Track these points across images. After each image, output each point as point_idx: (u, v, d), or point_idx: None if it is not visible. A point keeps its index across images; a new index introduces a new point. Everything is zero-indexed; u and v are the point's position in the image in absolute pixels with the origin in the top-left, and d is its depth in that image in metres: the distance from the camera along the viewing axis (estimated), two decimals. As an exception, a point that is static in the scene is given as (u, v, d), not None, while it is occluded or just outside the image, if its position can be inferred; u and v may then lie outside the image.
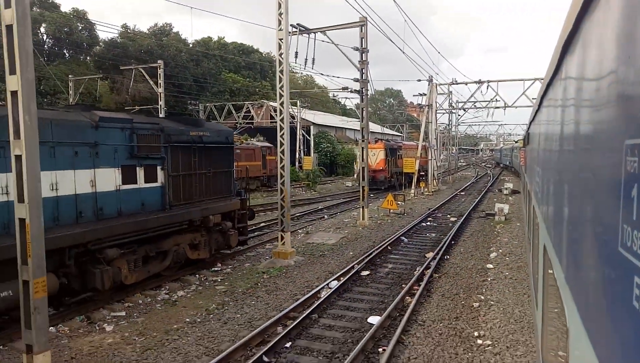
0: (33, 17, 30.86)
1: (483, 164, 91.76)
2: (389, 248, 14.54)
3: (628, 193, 0.88)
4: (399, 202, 22.03)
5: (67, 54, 48.25)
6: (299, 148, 45.38)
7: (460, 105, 41.59)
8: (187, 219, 11.25)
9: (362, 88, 19.56)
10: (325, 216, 22.12)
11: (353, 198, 28.21)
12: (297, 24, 17.63)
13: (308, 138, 48.43)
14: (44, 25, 44.37)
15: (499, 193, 31.75)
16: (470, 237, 16.73)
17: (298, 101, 44.22)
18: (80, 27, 48.30)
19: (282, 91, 13.31)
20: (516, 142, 50.32)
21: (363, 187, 19.45)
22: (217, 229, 12.41)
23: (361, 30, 18.75)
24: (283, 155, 13.52)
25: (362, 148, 19.98)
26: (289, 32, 14.03)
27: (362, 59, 19.12)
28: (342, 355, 7.12)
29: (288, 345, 7.48)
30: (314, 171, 36.66)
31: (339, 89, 25.81)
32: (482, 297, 9.95)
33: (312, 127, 49.00)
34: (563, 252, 1.96)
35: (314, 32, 18.44)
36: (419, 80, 33.42)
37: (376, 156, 32.89)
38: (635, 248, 0.83)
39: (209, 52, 55.65)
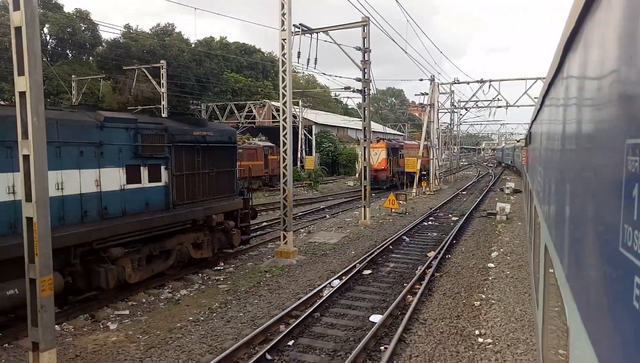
0: (36, 18, 30.95)
1: (485, 163, 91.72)
2: (391, 247, 14.61)
3: (629, 192, 0.88)
4: (400, 201, 22.10)
5: (70, 54, 48.45)
6: (301, 147, 45.46)
7: (462, 104, 41.63)
8: (191, 218, 11.34)
9: (364, 88, 19.62)
10: (327, 216, 22.19)
11: (355, 198, 28.28)
12: (300, 24, 17.70)
13: (310, 137, 48.52)
14: (47, 25, 44.56)
15: (501, 192, 31.77)
16: (472, 236, 16.78)
17: (300, 101, 44.28)
18: (83, 28, 48.49)
19: (285, 91, 13.38)
20: (518, 141, 50.30)
21: (365, 186, 19.51)
22: (220, 228, 12.50)
23: (363, 30, 18.80)
24: (286, 155, 13.59)
25: (364, 147, 20.05)
26: (292, 32, 14.10)
27: (364, 58, 19.18)
28: (345, 353, 7.19)
29: (291, 343, 7.56)
30: (316, 171, 36.71)
31: (341, 88, 25.90)
32: (483, 296, 10.02)
33: (314, 126, 49.09)
34: (564, 251, 1.96)
35: (317, 32, 18.51)
36: (421, 79, 33.54)
37: (378, 156, 32.93)
38: (635, 248, 0.82)
39: (211, 52, 55.79)
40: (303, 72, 66.60)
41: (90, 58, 50.04)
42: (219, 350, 7.23)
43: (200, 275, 11.73)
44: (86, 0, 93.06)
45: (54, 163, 8.11)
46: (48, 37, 46.38)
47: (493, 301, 9.65)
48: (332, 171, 48.61)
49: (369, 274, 11.69)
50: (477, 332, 8.05)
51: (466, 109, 42.34)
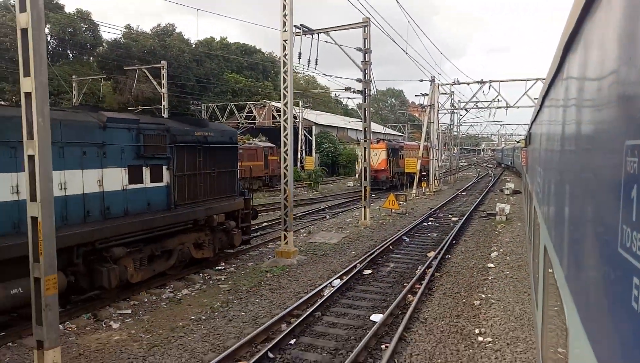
0: (37, 18, 31.01)
1: (484, 164, 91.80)
2: (391, 247, 14.67)
3: (628, 193, 0.87)
4: (400, 202, 22.17)
5: (70, 55, 48.51)
6: (301, 148, 45.53)
7: (462, 105, 41.75)
8: (192, 218, 11.40)
9: (364, 88, 19.70)
10: (327, 216, 22.26)
11: (355, 198, 28.35)
12: (301, 25, 17.78)
13: (310, 138, 48.60)
14: (48, 26, 44.62)
15: (500, 193, 31.84)
16: (472, 237, 16.85)
17: (300, 101, 44.37)
18: (84, 28, 48.56)
19: (286, 91, 13.45)
20: (518, 142, 50.39)
21: (365, 187, 19.58)
22: (221, 228, 12.56)
23: (364, 31, 18.88)
24: (287, 155, 13.65)
25: (365, 148, 20.12)
26: (293, 33, 14.17)
27: (364, 59, 19.25)
28: (346, 351, 7.26)
29: (292, 342, 7.62)
30: (316, 171, 36.79)
31: (342, 89, 25.97)
32: (483, 296, 10.09)
33: (314, 127, 49.16)
34: (563, 252, 1.96)
35: (317, 33, 18.58)
36: (421, 80, 33.60)
37: (378, 156, 33.00)
38: (634, 249, 0.82)
39: (212, 52, 55.87)
40: (303, 73, 66.68)
41: (91, 58, 50.12)
42: (222, 349, 7.30)
43: (201, 274, 11.80)
44: (86, 1, 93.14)
45: (57, 163, 8.16)
46: (49, 38, 46.44)
47: (493, 300, 9.72)
48: (332, 171, 48.69)
49: (370, 274, 11.76)
50: (477, 331, 8.12)
51: (466, 110, 42.46)
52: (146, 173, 10.28)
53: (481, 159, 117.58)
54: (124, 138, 9.76)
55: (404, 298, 9.67)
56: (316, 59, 19.26)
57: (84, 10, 48.87)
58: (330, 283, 10.69)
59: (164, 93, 31.41)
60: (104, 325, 8.48)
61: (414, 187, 31.73)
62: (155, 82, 32.68)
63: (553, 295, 2.52)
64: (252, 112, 45.44)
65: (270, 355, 7.04)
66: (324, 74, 28.62)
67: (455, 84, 35.77)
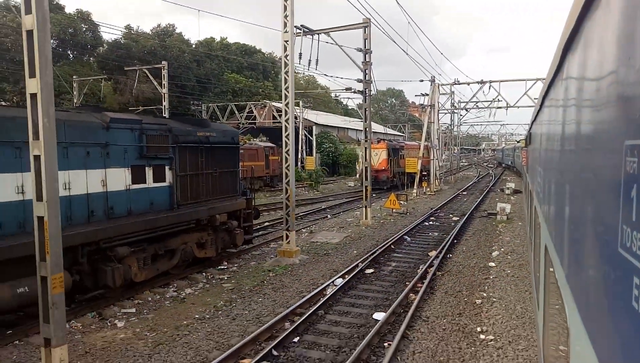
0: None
1: (485, 164, 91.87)
2: (393, 247, 14.74)
3: (628, 193, 0.87)
4: (401, 202, 22.23)
5: (71, 55, 48.57)
6: (302, 148, 45.60)
7: (462, 105, 41.82)
8: (195, 218, 11.47)
9: (365, 89, 19.76)
10: (329, 216, 22.32)
11: (355, 198, 28.42)
12: (302, 26, 17.84)
13: (310, 138, 48.66)
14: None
15: (501, 192, 31.90)
16: (473, 236, 16.91)
17: (300, 102, 44.44)
18: (85, 28, 48.62)
19: (288, 92, 13.51)
20: (518, 142, 50.46)
21: (366, 187, 19.64)
22: (223, 228, 12.63)
23: (364, 32, 18.94)
24: (288, 155, 13.71)
25: (365, 148, 20.18)
26: (294, 34, 14.22)
27: (365, 60, 19.31)
28: (349, 349, 7.32)
29: (296, 339, 7.68)
30: (317, 171, 36.85)
31: (342, 89, 26.04)
32: (485, 294, 10.15)
33: (314, 127, 49.23)
34: (564, 252, 1.96)
35: (318, 34, 18.64)
36: (422, 80, 33.63)
37: (378, 156, 33.07)
38: (634, 249, 0.82)
39: (212, 52, 55.92)
40: (303, 73, 66.68)
41: (91, 59, 50.18)
42: (226, 347, 7.36)
43: (204, 274, 11.86)
44: (86, 1, 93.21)
45: (62, 163, 8.21)
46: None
47: (494, 299, 9.78)
48: (332, 171, 48.75)
49: (372, 273, 11.82)
50: (478, 329, 8.18)
51: (466, 110, 42.54)
52: (149, 173, 10.35)
53: (481, 159, 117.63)
54: (127, 138, 9.83)
55: (406, 296, 9.73)
56: (317, 59, 19.33)
57: (84, 11, 48.93)
58: (332, 282, 10.75)
59: (164, 93, 31.46)
60: (108, 324, 8.55)
61: (415, 187, 31.80)
62: (155, 83, 32.72)
63: (554, 294, 2.52)
64: (253, 113, 45.50)
65: (275, 352, 7.11)
66: (325, 75, 28.80)
67: (456, 84, 35.84)
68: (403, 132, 76.96)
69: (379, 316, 8.66)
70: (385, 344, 7.57)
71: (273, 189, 34.30)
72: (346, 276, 11.15)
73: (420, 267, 12.15)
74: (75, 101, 35.36)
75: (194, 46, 57.89)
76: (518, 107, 33.72)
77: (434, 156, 35.03)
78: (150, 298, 9.97)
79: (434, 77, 33.19)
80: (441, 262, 12.72)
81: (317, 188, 34.89)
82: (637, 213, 0.82)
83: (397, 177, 35.27)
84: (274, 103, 46.90)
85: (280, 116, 39.86)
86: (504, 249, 14.54)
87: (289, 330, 7.77)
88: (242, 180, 14.59)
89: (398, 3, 18.38)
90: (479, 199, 27.89)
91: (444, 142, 53.35)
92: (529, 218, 7.98)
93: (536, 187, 5.33)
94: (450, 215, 22.03)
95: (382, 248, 14.02)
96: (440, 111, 37.70)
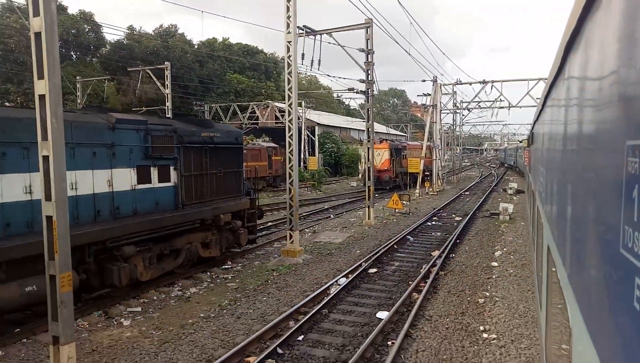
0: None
1: (487, 164, 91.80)
2: (395, 246, 14.80)
3: (629, 194, 0.87)
4: (404, 202, 22.29)
5: (74, 56, 48.75)
6: (304, 148, 45.68)
7: (464, 105, 41.84)
8: (199, 218, 11.56)
9: (367, 89, 19.82)
10: (331, 216, 22.40)
11: (358, 198, 28.49)
12: (304, 26, 17.90)
13: (313, 138, 48.74)
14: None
15: (504, 192, 31.93)
16: (475, 236, 16.96)
17: (303, 102, 44.52)
18: (87, 29, 48.79)
19: (291, 92, 13.58)
20: (520, 142, 50.42)
21: (369, 187, 19.70)
22: (227, 228, 12.72)
23: (367, 32, 19.01)
24: (292, 155, 13.79)
25: (368, 148, 20.24)
26: (296, 34, 14.30)
27: (367, 60, 19.38)
28: (353, 347, 7.40)
29: (300, 338, 7.76)
30: (319, 172, 36.92)
31: (344, 89, 26.12)
32: (487, 294, 10.21)
33: (316, 127, 49.31)
34: (566, 253, 1.96)
35: (320, 34, 18.70)
36: (424, 80, 33.62)
37: (381, 156, 33.13)
38: (636, 249, 0.82)
39: (214, 53, 56.04)
40: (305, 73, 66.77)
41: (94, 59, 50.36)
42: (231, 345, 7.45)
43: (208, 273, 11.95)
44: (86, 1, 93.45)
45: (69, 163, 8.25)
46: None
47: (497, 298, 9.84)
48: (335, 171, 48.82)
49: (375, 272, 11.89)
50: (481, 328, 8.25)
51: (468, 110, 42.56)
52: (154, 173, 10.44)
53: (484, 159, 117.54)
54: (133, 138, 9.92)
55: (409, 296, 9.79)
56: (319, 60, 19.37)
57: (87, 12, 49.12)
58: (336, 281, 10.82)
59: (167, 94, 31.58)
60: (115, 322, 8.64)
61: (417, 187, 31.84)
62: (159, 83, 32.84)
63: (556, 294, 2.51)
64: (255, 113, 45.59)
65: (279, 350, 7.18)
66: (327, 75, 28.85)
67: (458, 84, 35.85)
68: (405, 133, 76.98)
69: (383, 315, 8.73)
70: (389, 343, 7.64)
71: (276, 189, 34.39)
72: (349, 275, 11.23)
73: (423, 267, 12.22)
74: (79, 101, 35.50)
75: (196, 46, 58.04)
76: (520, 107, 33.69)
77: (436, 156, 35.06)
78: (155, 297, 10.06)
79: (436, 77, 33.24)
80: (444, 262, 12.78)
81: (320, 188, 34.97)
82: (638, 213, 0.82)
83: (400, 177, 35.31)
84: (276, 103, 47.01)
85: (282, 116, 39.96)
86: (507, 249, 14.59)
87: (294, 329, 7.85)
88: (245, 180, 14.68)
89: (400, 3, 18.45)
90: (482, 199, 27.93)
91: (446, 142, 53.36)
92: (532, 218, 8.02)
93: (538, 187, 5.35)
94: (453, 215, 22.07)
95: (385, 248, 14.08)
96: (442, 111, 37.74)
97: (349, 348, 7.39)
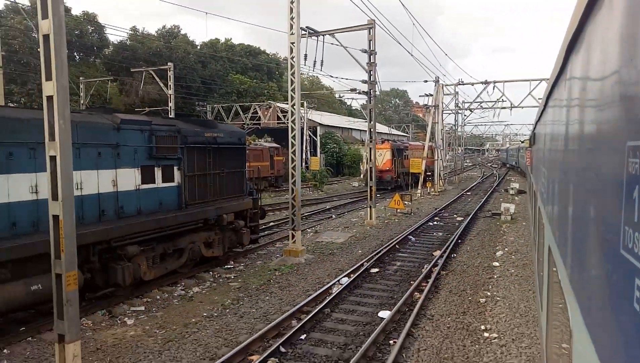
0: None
1: (489, 164, 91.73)
2: (397, 246, 14.86)
3: (629, 194, 0.87)
4: (405, 202, 22.34)
5: (77, 57, 48.92)
6: (306, 148, 45.74)
7: (466, 105, 41.83)
8: (202, 218, 11.64)
9: (370, 90, 19.89)
10: (333, 216, 22.46)
11: (360, 198, 28.55)
12: (307, 27, 17.98)
13: (315, 138, 48.80)
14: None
15: (505, 193, 31.95)
16: (477, 236, 17.01)
17: (305, 102, 44.59)
18: (91, 30, 48.96)
19: (294, 93, 13.65)
20: (522, 142, 50.41)
21: (371, 187, 19.76)
22: (230, 227, 12.79)
23: (369, 33, 19.07)
24: (294, 156, 13.86)
25: (370, 148, 20.30)
26: (299, 36, 14.37)
27: (370, 61, 19.44)
28: (355, 346, 7.47)
29: (303, 337, 7.84)
30: (321, 172, 36.99)
31: (346, 90, 26.19)
32: (489, 293, 10.27)
33: (318, 128, 49.37)
34: (567, 253, 1.96)
35: (323, 35, 18.77)
36: (426, 81, 33.71)
37: (383, 157, 33.17)
38: (636, 250, 0.82)
39: (217, 54, 56.15)
40: (307, 74, 66.84)
41: (98, 60, 50.53)
42: (235, 344, 7.52)
43: (211, 273, 12.03)
44: (87, 2, 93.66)
45: (74, 163, 8.28)
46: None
47: (498, 298, 9.89)
48: (336, 171, 48.88)
49: (377, 272, 11.95)
50: (482, 327, 8.31)
51: (470, 110, 42.51)
52: (158, 173, 10.52)
53: (486, 159, 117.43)
54: (137, 139, 10.01)
55: (410, 295, 9.86)
56: (322, 60, 19.45)
57: (90, 13, 49.30)
58: (338, 281, 10.89)
59: (170, 95, 31.68)
60: (118, 321, 8.72)
61: (419, 187, 31.88)
62: (161, 84, 32.96)
63: (557, 294, 2.51)
64: (257, 113, 45.67)
65: (282, 349, 7.26)
66: (330, 75, 28.92)
67: (460, 84, 35.84)
68: (407, 133, 76.96)
69: (385, 314, 8.79)
70: (391, 342, 7.71)
71: (278, 189, 34.47)
72: (352, 275, 11.29)
73: (425, 266, 12.28)
74: (82, 102, 35.64)
75: (198, 47, 58.19)
76: (522, 107, 33.65)
77: (438, 157, 35.11)
78: (159, 297, 10.15)
79: (438, 77, 33.30)
80: (445, 262, 12.84)
81: (322, 188, 35.04)
82: (639, 214, 0.82)
83: (402, 177, 35.35)
84: (278, 104, 47.08)
85: (284, 116, 40.03)
86: (508, 249, 14.64)
87: (296, 328, 7.92)
88: (248, 180, 14.76)
89: (402, 4, 18.51)
90: (483, 200, 27.97)
91: (448, 142, 53.38)
92: (533, 219, 8.06)
93: (540, 187, 5.39)
94: (455, 215, 22.12)
95: (387, 248, 14.14)
96: (444, 112, 37.77)
97: (351, 347, 7.46)
